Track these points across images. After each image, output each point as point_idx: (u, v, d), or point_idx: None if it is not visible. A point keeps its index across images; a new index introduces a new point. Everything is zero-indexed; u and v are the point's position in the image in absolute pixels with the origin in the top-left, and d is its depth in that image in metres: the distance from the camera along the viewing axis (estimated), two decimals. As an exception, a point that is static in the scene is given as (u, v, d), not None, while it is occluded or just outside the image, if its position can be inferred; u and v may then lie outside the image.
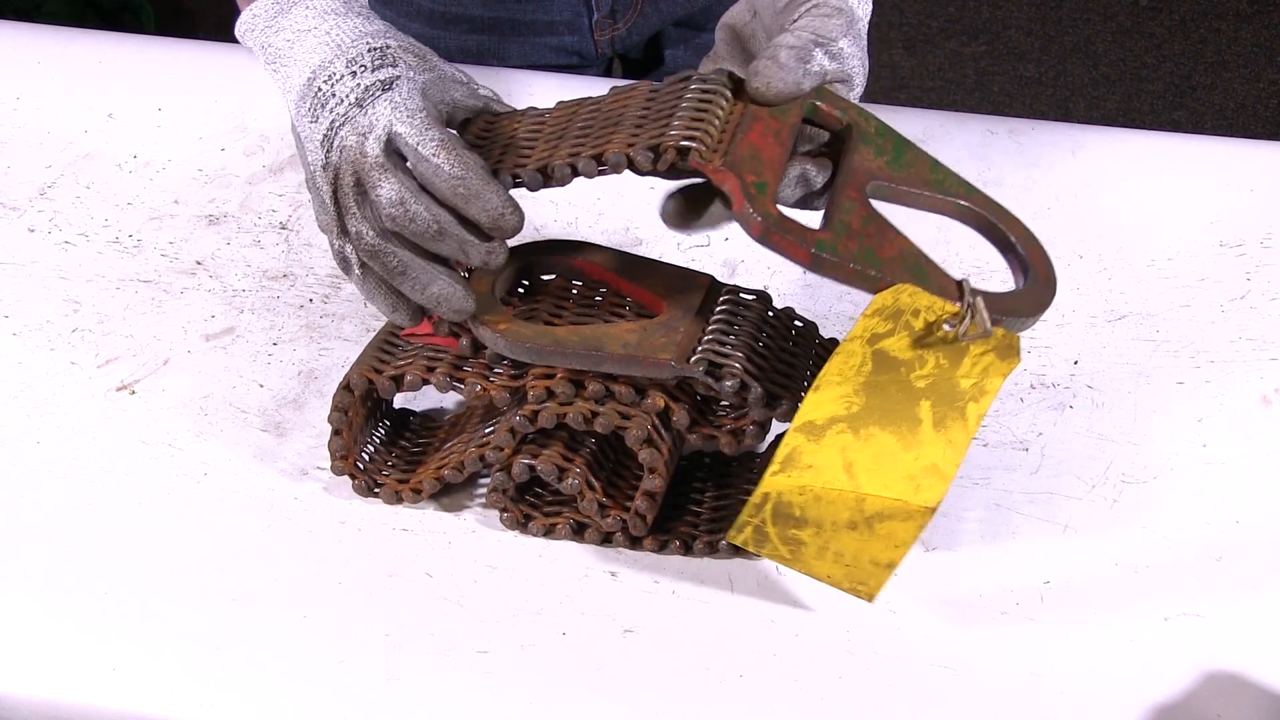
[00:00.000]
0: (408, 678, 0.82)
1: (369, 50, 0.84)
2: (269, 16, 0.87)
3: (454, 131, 0.85)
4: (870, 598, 0.83)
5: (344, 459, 0.91)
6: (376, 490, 0.91)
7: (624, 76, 1.35)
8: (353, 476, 0.91)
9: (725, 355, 0.83)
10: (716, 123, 0.81)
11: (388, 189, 0.81)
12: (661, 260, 0.92)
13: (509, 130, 0.87)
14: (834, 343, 0.91)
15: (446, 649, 0.84)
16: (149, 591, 0.86)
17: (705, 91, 0.82)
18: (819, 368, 0.88)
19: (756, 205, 0.78)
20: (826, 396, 0.79)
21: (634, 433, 0.85)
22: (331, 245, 0.85)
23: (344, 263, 0.85)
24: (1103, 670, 0.83)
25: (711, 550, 0.88)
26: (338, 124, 0.83)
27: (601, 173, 0.82)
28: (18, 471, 0.93)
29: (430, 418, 0.98)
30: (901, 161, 0.83)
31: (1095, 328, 1.03)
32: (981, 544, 0.89)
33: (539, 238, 0.92)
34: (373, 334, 0.96)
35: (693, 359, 0.83)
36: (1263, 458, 0.94)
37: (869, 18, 0.88)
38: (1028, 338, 1.01)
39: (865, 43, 0.86)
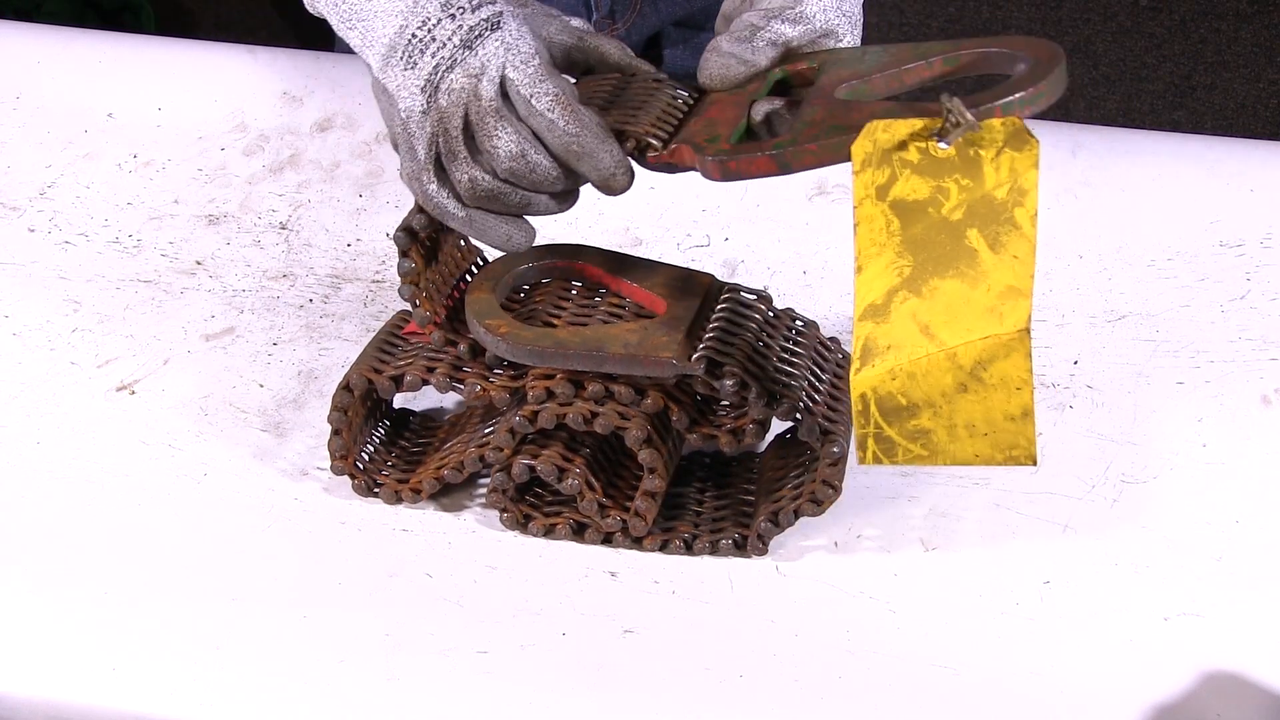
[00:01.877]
0: (408, 678, 0.82)
1: None
2: None
3: (568, 80, 0.83)
4: (1030, 459, 0.78)
5: (344, 459, 0.91)
6: (376, 490, 0.91)
7: (624, 76, 1.35)
8: (352, 476, 0.91)
9: (726, 354, 0.83)
10: (670, 123, 0.82)
11: (506, 140, 0.79)
12: (661, 261, 0.92)
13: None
14: (835, 341, 0.91)
15: (446, 649, 0.84)
16: (149, 591, 0.86)
17: (670, 91, 0.84)
18: (819, 366, 0.88)
19: (706, 150, 0.78)
20: (873, 271, 0.75)
21: (634, 433, 0.85)
22: (424, 193, 0.83)
23: (441, 211, 0.83)
24: (1103, 670, 0.83)
25: (713, 549, 0.88)
26: (443, 67, 0.80)
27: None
28: (18, 471, 0.93)
29: (430, 418, 0.98)
30: (878, 60, 0.80)
31: (1095, 328, 1.03)
32: (981, 544, 0.89)
33: (539, 241, 0.92)
34: (373, 334, 0.96)
35: (693, 358, 0.83)
36: (1263, 458, 0.94)
37: None
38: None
39: None
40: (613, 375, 0.86)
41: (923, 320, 0.76)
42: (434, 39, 0.81)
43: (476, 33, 0.80)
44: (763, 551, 0.88)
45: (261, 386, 0.99)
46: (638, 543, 0.89)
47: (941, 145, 0.73)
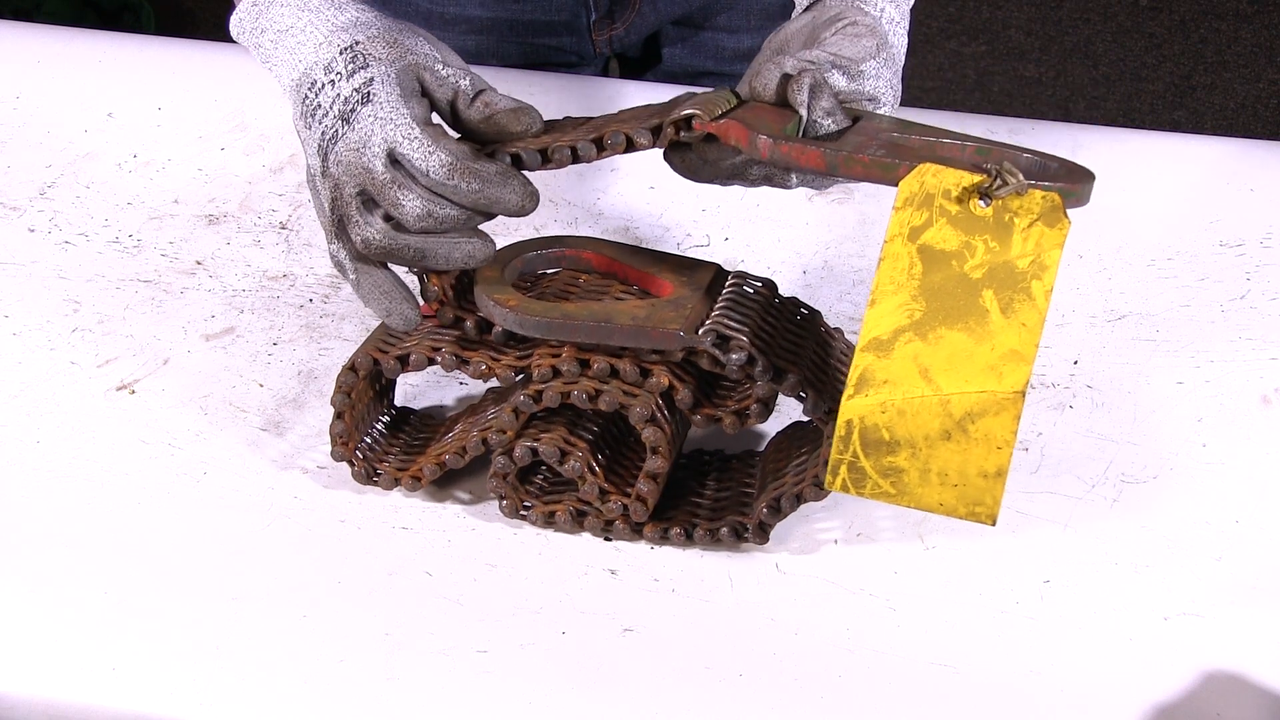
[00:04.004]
0: (407, 677, 0.82)
1: (340, 52, 0.84)
2: (253, 16, 0.88)
3: (451, 137, 0.84)
4: (991, 519, 0.80)
5: (345, 444, 0.90)
6: (375, 477, 0.91)
7: (621, 76, 1.35)
8: (351, 463, 0.91)
9: (733, 329, 0.83)
10: (717, 109, 0.82)
11: (411, 205, 0.82)
12: (667, 252, 0.93)
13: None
14: (839, 331, 0.91)
15: (446, 648, 0.84)
16: (149, 591, 0.86)
17: (709, 94, 0.84)
18: (824, 351, 0.88)
19: (761, 131, 0.79)
20: (886, 308, 0.77)
21: (638, 410, 0.85)
22: (329, 250, 0.86)
23: (339, 266, 0.86)
24: (1103, 670, 0.83)
25: (713, 537, 0.88)
26: (328, 136, 0.83)
27: (601, 154, 0.83)
28: (18, 471, 0.93)
29: (430, 416, 0.98)
30: (911, 128, 0.83)
31: (1095, 328, 1.03)
32: (981, 543, 0.89)
33: (542, 235, 0.92)
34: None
35: (701, 331, 0.83)
36: (1263, 458, 0.94)
37: (903, 46, 0.88)
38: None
39: (898, 66, 0.86)
40: (618, 354, 0.86)
41: (924, 364, 0.78)
42: (319, 105, 0.84)
43: (350, 105, 0.83)
44: (763, 540, 0.88)
45: (261, 386, 0.99)
46: (638, 531, 0.89)
47: (982, 204, 0.76)
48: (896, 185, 0.77)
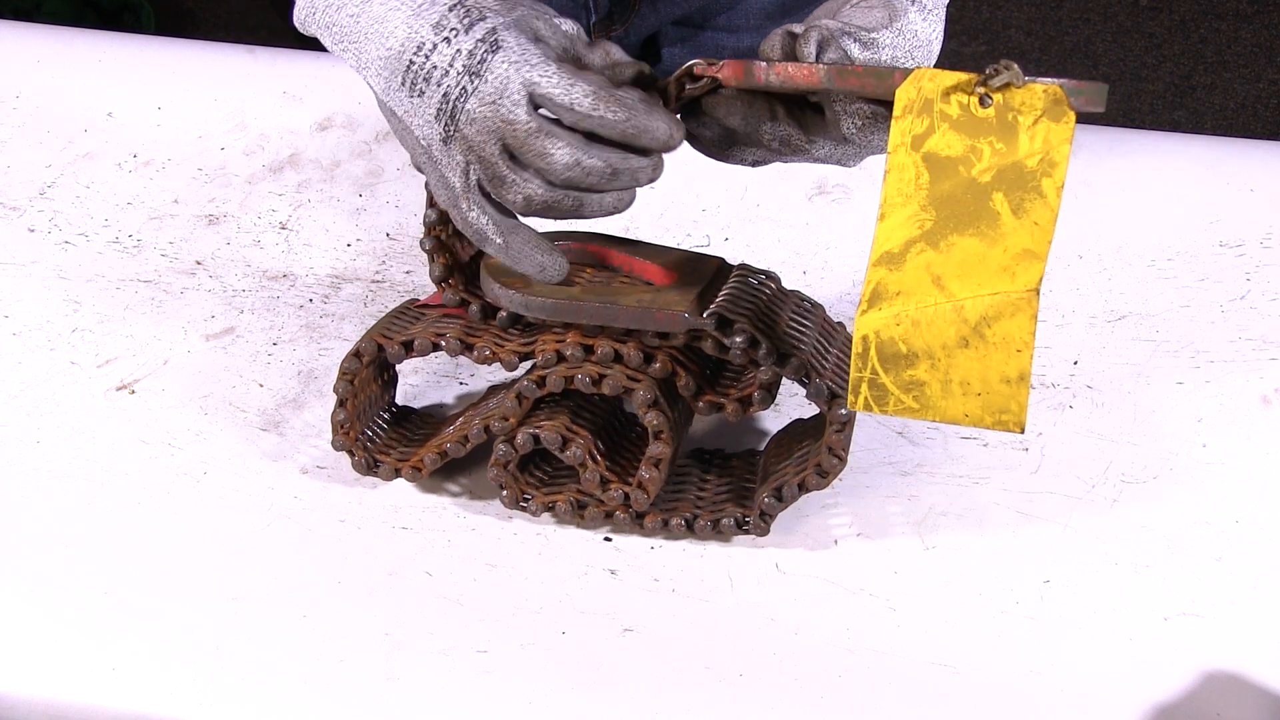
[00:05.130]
0: (407, 677, 0.82)
1: (450, 9, 0.80)
2: None
3: (588, 70, 0.82)
4: (1019, 425, 0.78)
5: (346, 433, 0.90)
6: (376, 468, 0.91)
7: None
8: (352, 453, 0.91)
9: (737, 312, 0.84)
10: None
11: (560, 153, 0.78)
12: (671, 246, 0.93)
13: None
14: (841, 326, 0.92)
15: (446, 648, 0.84)
16: (149, 591, 0.86)
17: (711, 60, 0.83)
18: (826, 340, 0.88)
19: (755, 61, 0.78)
20: (895, 221, 0.76)
21: (641, 395, 0.85)
22: (465, 219, 0.82)
23: (478, 235, 0.82)
24: (1103, 670, 0.83)
25: (715, 528, 0.88)
26: (454, 95, 0.79)
27: None
28: (18, 471, 0.93)
29: (431, 414, 0.98)
30: None
31: (1095, 328, 1.03)
32: (981, 543, 0.89)
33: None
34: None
35: (705, 314, 0.84)
36: (1263, 458, 0.94)
37: (932, 34, 0.86)
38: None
39: (917, 45, 0.84)
40: (622, 339, 0.86)
41: (936, 272, 0.76)
42: (435, 66, 0.80)
43: (478, 57, 0.79)
44: (765, 530, 0.88)
45: (261, 386, 0.99)
46: (639, 522, 0.88)
47: (983, 105, 0.74)
48: (893, 95, 0.75)
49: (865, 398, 0.78)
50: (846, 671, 0.83)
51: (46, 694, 0.82)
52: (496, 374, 1.00)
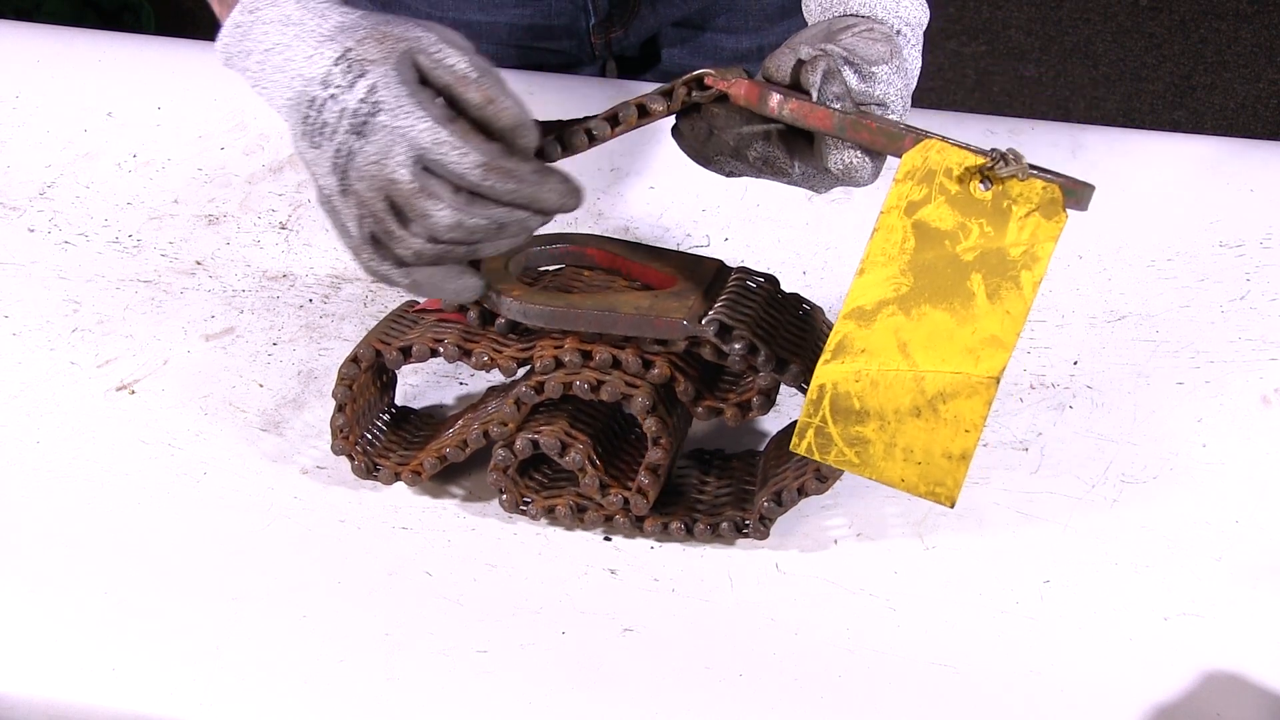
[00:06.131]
0: (407, 677, 0.82)
1: (335, 63, 0.81)
2: (237, 39, 0.85)
3: (479, 134, 0.81)
4: (950, 500, 0.80)
5: (346, 438, 0.90)
6: (375, 472, 0.91)
7: (619, 76, 1.35)
8: (351, 457, 0.91)
9: (736, 319, 0.84)
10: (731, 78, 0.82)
11: (442, 214, 0.79)
12: (670, 248, 0.93)
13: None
14: None
15: (446, 648, 0.84)
16: (149, 591, 0.86)
17: (719, 68, 0.84)
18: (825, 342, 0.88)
19: (770, 87, 0.79)
20: (873, 279, 0.78)
21: (639, 401, 0.85)
22: (366, 267, 0.83)
23: (383, 279, 0.83)
24: (1103, 670, 0.83)
25: (714, 531, 0.88)
26: (344, 152, 0.80)
27: (615, 131, 0.83)
28: (18, 471, 0.93)
29: (431, 415, 0.98)
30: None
31: (1095, 328, 1.03)
32: (981, 544, 0.89)
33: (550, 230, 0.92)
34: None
35: (704, 320, 0.83)
36: (1263, 458, 0.94)
37: (917, 65, 0.87)
38: (1026, 338, 1.01)
39: (910, 80, 0.85)
40: (621, 345, 0.86)
41: (903, 338, 0.78)
42: (325, 122, 0.81)
43: (360, 118, 0.79)
44: (764, 534, 0.88)
45: (261, 386, 0.99)
46: (638, 525, 0.88)
47: (982, 187, 0.76)
48: (900, 156, 0.77)
49: (809, 443, 0.80)
50: (846, 671, 0.83)
51: (46, 694, 0.82)
52: (496, 375, 1.00)
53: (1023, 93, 2.79)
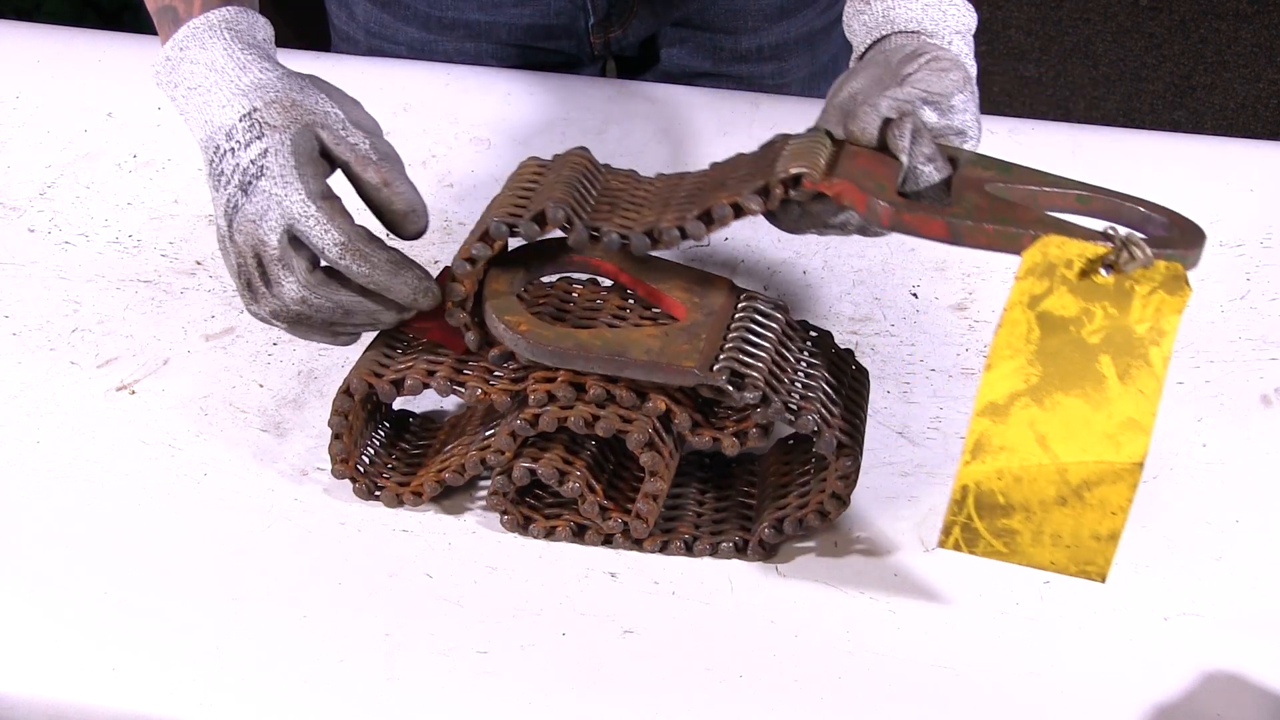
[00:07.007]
0: (408, 678, 0.82)
1: (240, 119, 0.85)
2: (167, 70, 0.89)
3: (348, 216, 0.85)
4: (1102, 577, 0.80)
5: (344, 462, 0.90)
6: (377, 493, 0.91)
7: (619, 76, 1.35)
8: (353, 480, 0.91)
9: (748, 365, 0.83)
10: (820, 159, 0.82)
11: (289, 287, 0.84)
12: (675, 261, 0.92)
13: (614, 187, 0.88)
14: (849, 354, 0.91)
15: (446, 649, 0.84)
16: (149, 591, 0.86)
17: (805, 139, 0.84)
18: (838, 379, 0.88)
19: (882, 196, 0.79)
20: (1002, 373, 0.77)
21: (635, 436, 0.85)
22: (246, 309, 0.89)
23: (264, 321, 0.88)
24: (1103, 670, 0.83)
25: (713, 551, 0.88)
26: (232, 204, 0.85)
27: (711, 228, 0.83)
28: (18, 471, 0.93)
29: (430, 419, 0.98)
30: (1013, 173, 0.83)
31: (1095, 328, 1.03)
32: (981, 544, 0.89)
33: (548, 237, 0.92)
34: (373, 334, 0.96)
35: (716, 367, 0.83)
36: (1263, 458, 0.94)
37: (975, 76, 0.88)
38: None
39: (978, 94, 0.86)
40: (614, 378, 0.85)
41: (1040, 430, 0.77)
42: (223, 172, 0.85)
43: (249, 177, 0.84)
44: (764, 557, 0.88)
45: (261, 386, 0.99)
46: (638, 544, 0.89)
47: (1104, 272, 0.76)
48: (1019, 254, 0.76)
49: (956, 539, 0.80)
50: (846, 673, 0.83)
51: (46, 694, 0.82)
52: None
53: (1023, 93, 2.80)
